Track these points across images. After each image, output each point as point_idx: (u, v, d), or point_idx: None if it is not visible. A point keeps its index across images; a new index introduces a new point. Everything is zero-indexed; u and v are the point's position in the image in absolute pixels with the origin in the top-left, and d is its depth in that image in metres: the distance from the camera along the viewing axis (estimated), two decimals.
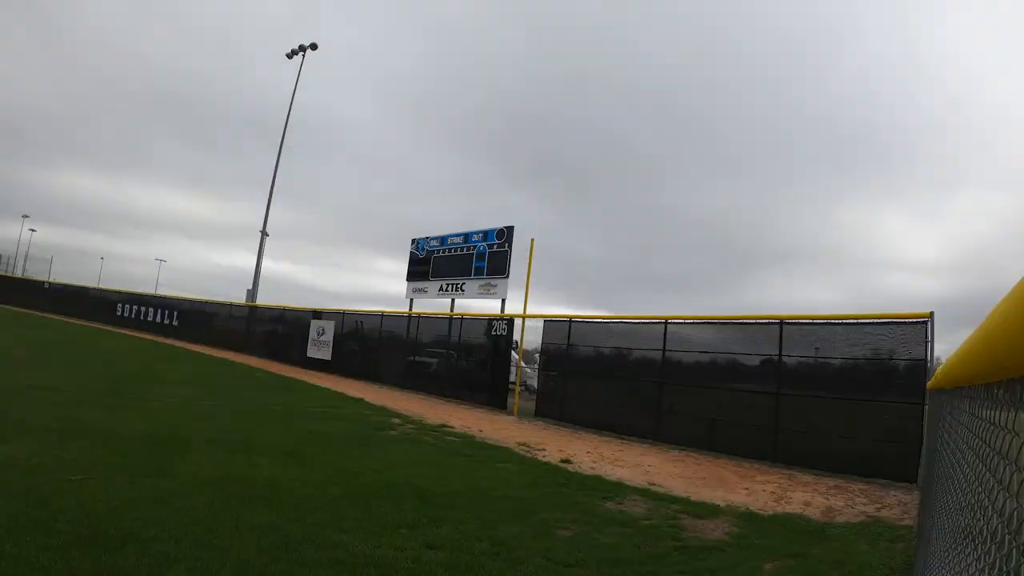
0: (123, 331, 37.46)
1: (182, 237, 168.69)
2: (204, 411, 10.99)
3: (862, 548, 6.34)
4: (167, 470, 6.42)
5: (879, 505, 8.66)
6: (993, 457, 1.50)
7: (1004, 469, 1.30)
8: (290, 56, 40.00)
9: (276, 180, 39.13)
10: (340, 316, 26.58)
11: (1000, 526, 1.27)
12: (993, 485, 1.43)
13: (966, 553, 1.78)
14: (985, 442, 1.67)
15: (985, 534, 1.42)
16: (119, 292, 45.12)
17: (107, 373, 14.98)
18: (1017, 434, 1.20)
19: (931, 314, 10.43)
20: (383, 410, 14.88)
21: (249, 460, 7.43)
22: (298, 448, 8.62)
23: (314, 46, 39.82)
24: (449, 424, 13.62)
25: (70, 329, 32.12)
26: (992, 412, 1.60)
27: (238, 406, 12.31)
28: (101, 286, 52.85)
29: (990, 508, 1.43)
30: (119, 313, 42.45)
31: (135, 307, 42.00)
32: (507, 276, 22.29)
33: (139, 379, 14.71)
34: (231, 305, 35.82)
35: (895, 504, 8.75)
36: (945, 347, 9.99)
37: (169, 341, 34.32)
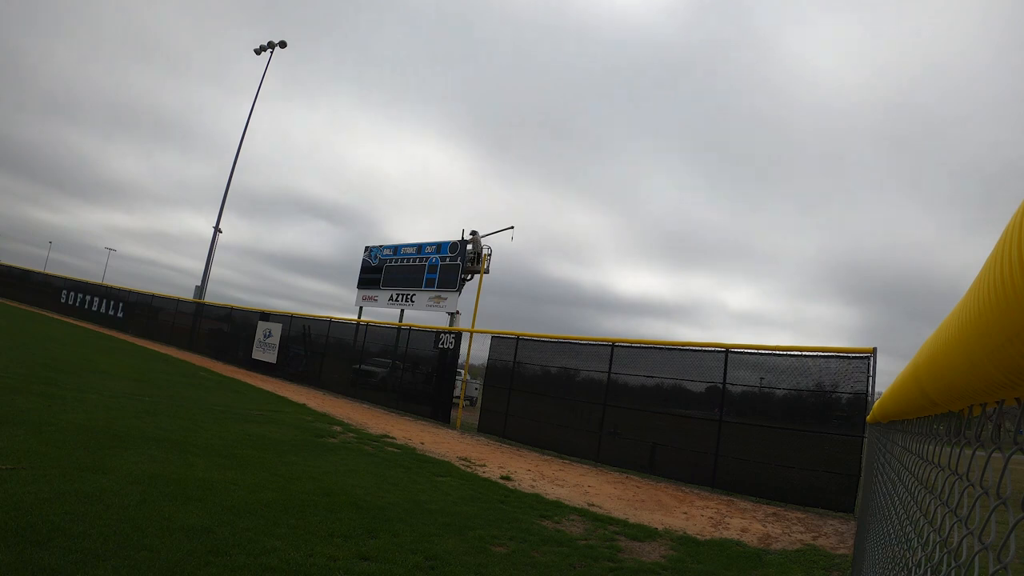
0: (66, 319, 36.10)
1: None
2: (142, 407, 10.58)
3: (797, 575, 6.47)
4: (100, 465, 6.15)
5: (816, 534, 8.85)
6: (919, 489, 1.54)
7: (929, 502, 1.33)
8: (258, 52, 39.32)
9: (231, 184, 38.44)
10: (288, 319, 26.08)
11: (924, 558, 1.29)
12: (919, 517, 1.47)
13: None
14: (913, 475, 1.71)
15: (911, 565, 1.45)
16: (65, 279, 43.43)
17: (45, 361, 14.32)
18: (943, 468, 1.23)
19: (874, 349, 10.79)
20: (325, 417, 14.59)
21: (185, 460, 7.19)
22: (235, 451, 8.38)
23: (283, 44, 39.27)
24: (391, 435, 13.44)
25: (9, 313, 30.64)
26: (920, 445, 1.65)
27: (177, 404, 11.88)
28: (46, 271, 50.88)
29: (915, 539, 1.46)
30: (63, 300, 41.01)
31: (80, 295, 40.59)
32: (458, 290, 22.24)
33: (78, 370, 14.10)
34: (178, 300, 34.80)
35: (832, 533, 8.96)
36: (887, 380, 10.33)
37: (112, 333, 33.19)
